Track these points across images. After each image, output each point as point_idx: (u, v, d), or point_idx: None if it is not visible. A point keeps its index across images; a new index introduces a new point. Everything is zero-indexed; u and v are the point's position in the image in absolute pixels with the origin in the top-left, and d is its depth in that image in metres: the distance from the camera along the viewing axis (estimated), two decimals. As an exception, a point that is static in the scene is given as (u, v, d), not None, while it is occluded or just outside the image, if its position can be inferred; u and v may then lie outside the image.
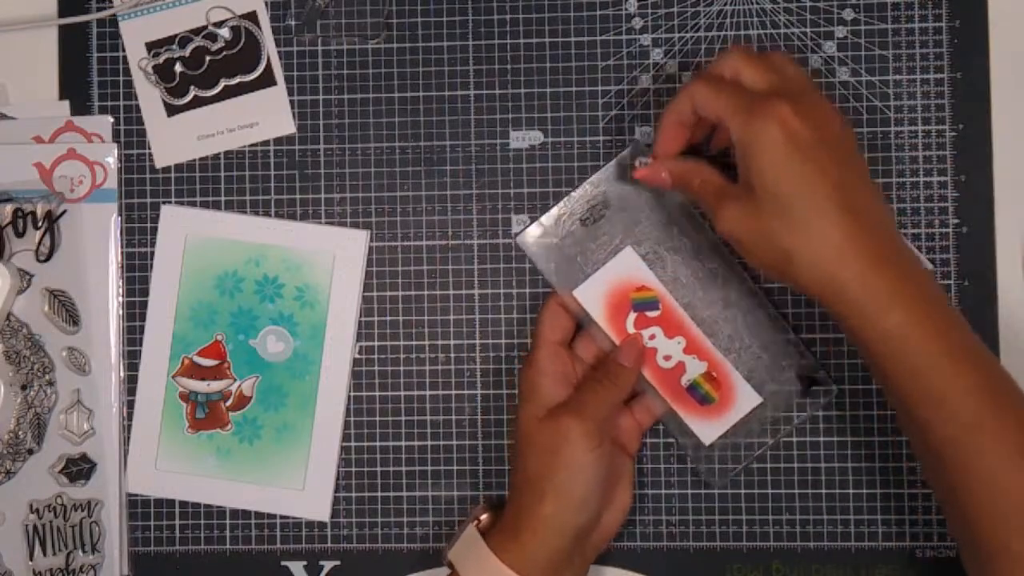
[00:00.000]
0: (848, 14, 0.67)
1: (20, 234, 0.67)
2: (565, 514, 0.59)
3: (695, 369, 0.64)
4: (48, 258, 0.68)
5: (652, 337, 0.64)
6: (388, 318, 0.67)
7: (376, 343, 0.68)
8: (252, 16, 0.68)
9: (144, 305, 0.68)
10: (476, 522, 0.63)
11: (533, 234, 0.65)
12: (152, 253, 0.68)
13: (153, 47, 0.68)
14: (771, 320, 0.64)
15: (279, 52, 0.68)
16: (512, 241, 0.67)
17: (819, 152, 0.53)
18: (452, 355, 0.67)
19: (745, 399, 0.64)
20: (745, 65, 0.56)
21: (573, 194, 0.65)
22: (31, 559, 0.68)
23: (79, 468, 0.68)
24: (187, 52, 0.68)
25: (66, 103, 0.69)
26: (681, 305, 0.64)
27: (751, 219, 0.55)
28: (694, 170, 0.59)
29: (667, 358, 0.64)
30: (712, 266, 0.64)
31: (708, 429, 0.64)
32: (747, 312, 0.64)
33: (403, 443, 0.67)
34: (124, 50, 0.69)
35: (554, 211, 0.65)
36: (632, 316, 0.64)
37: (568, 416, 0.59)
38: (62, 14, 0.69)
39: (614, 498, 0.62)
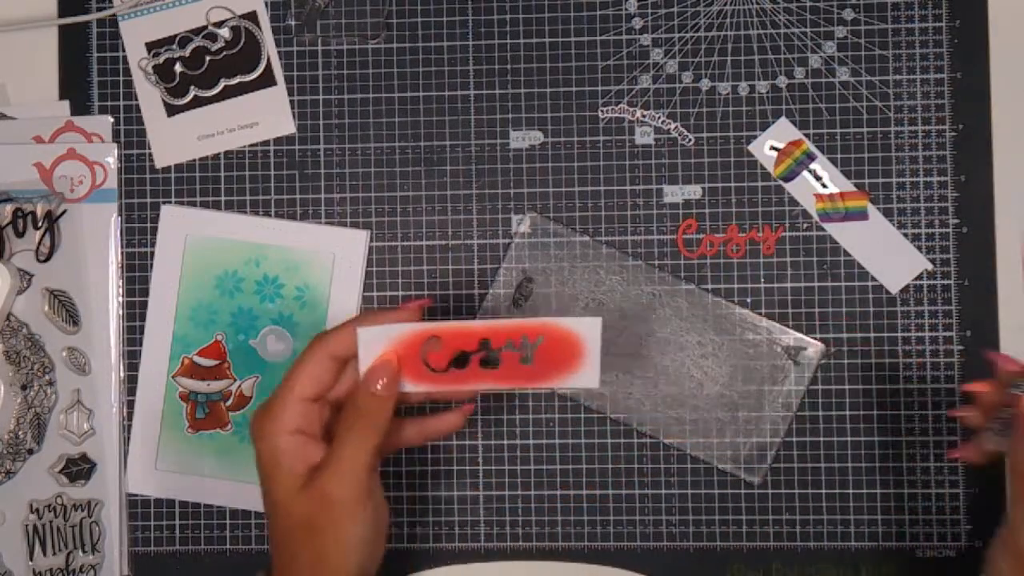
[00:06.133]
0: (848, 14, 0.67)
1: (20, 234, 0.67)
2: None
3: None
4: (48, 258, 0.68)
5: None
6: (388, 318, 0.67)
7: (376, 343, 0.67)
8: (252, 16, 0.68)
9: (144, 305, 0.68)
10: None
11: None
12: (152, 253, 0.68)
13: (153, 47, 0.68)
14: (729, 312, 0.65)
15: (279, 52, 0.68)
16: (512, 241, 0.67)
17: None
18: (452, 355, 0.67)
19: (585, 328, 0.54)
20: None
21: (497, 282, 0.66)
22: (31, 559, 0.68)
23: (79, 468, 0.68)
24: (187, 52, 0.68)
25: (66, 103, 0.69)
26: (642, 334, 0.64)
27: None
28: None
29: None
30: (649, 290, 0.65)
31: (584, 376, 0.54)
32: (705, 315, 0.65)
33: (403, 443, 0.67)
34: (124, 50, 0.69)
35: (487, 306, 0.66)
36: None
37: (329, 483, 0.52)
38: (62, 14, 0.69)
39: (381, 529, 0.56)
